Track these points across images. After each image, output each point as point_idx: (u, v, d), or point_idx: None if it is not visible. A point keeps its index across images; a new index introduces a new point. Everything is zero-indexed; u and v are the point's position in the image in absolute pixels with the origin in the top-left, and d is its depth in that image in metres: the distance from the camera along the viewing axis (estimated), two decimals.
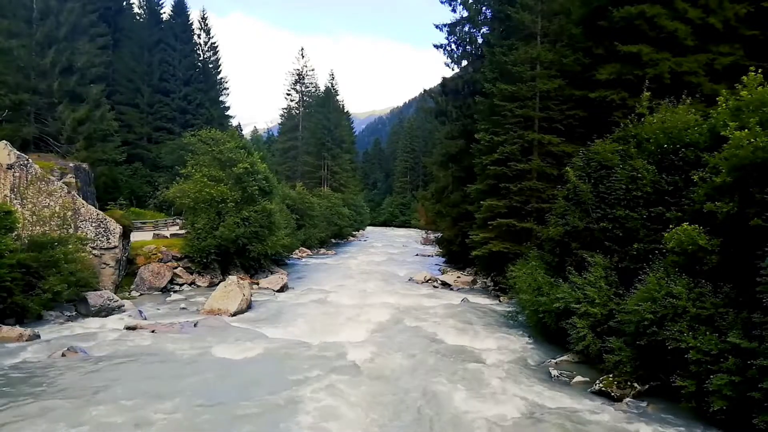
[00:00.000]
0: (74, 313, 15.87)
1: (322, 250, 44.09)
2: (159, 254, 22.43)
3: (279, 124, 79.37)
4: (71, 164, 23.03)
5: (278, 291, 22.26)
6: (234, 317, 16.59)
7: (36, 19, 28.50)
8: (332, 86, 70.42)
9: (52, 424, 8.11)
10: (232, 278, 18.62)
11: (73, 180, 21.26)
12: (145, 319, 15.84)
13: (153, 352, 12.21)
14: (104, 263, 18.90)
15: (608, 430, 8.64)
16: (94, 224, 18.98)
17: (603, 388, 10.12)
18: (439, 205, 32.02)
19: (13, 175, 17.69)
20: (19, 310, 14.01)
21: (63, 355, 11.59)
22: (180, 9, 48.70)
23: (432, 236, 41.82)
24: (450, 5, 29.45)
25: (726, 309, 8.78)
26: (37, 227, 17.12)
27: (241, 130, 67.35)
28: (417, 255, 41.93)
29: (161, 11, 49.91)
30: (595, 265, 12.17)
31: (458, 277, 26.17)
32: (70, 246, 16.40)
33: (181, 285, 21.94)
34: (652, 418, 9.06)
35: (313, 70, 71.22)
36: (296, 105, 69.92)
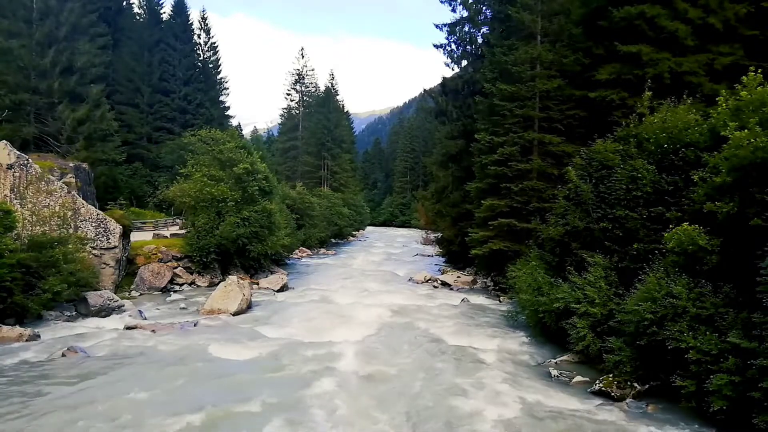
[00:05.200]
0: (74, 313, 15.88)
1: (322, 250, 44.08)
2: (159, 254, 22.43)
3: (279, 124, 79.36)
4: (71, 164, 23.03)
5: (278, 291, 22.26)
6: (234, 317, 16.59)
7: (36, 19, 28.49)
8: (332, 86, 70.45)
9: (52, 424, 8.11)
10: (232, 278, 18.61)
11: (73, 180, 21.26)
12: (145, 319, 15.84)
13: (153, 352, 12.22)
14: (104, 263, 18.90)
15: (608, 430, 8.64)
16: (94, 224, 18.98)
17: (603, 388, 10.11)
18: (439, 205, 32.00)
19: (13, 175, 17.69)
20: (19, 310, 14.01)
21: (63, 355, 11.60)
22: (180, 9, 48.70)
23: (432, 236, 41.74)
24: (450, 5, 29.46)
25: (726, 309, 8.77)
26: (37, 227, 17.13)
27: (241, 130, 67.35)
28: (417, 255, 41.93)
29: (161, 11, 49.95)
30: (595, 265, 12.17)
31: (458, 277, 26.16)
32: (70, 246, 16.41)
33: (181, 285, 21.93)
34: (652, 418, 9.06)
35: (313, 70, 71.30)
36: (296, 105, 69.91)
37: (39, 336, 13.10)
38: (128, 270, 20.98)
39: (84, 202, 19.47)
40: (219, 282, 20.56)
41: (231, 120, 55.38)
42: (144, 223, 31.26)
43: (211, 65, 52.04)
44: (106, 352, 12.20)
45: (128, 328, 14.29)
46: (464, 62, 30.68)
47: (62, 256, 15.57)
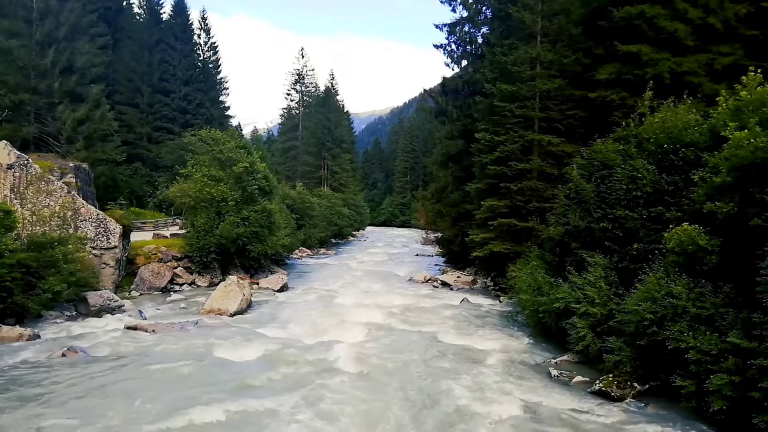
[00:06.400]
0: (74, 313, 15.88)
1: (322, 250, 44.08)
2: (159, 254, 22.43)
3: (279, 124, 79.44)
4: (71, 164, 23.02)
5: (278, 291, 22.26)
6: (234, 317, 16.59)
7: (36, 19, 28.53)
8: (332, 86, 70.56)
9: (52, 424, 8.10)
10: (232, 278, 18.62)
11: (73, 180, 21.25)
12: (145, 319, 15.84)
13: (153, 352, 12.21)
14: (104, 263, 18.90)
15: (608, 430, 8.64)
16: (94, 224, 18.97)
17: (603, 388, 10.11)
18: (439, 205, 31.98)
19: (13, 175, 17.68)
20: (19, 310, 13.99)
21: (63, 355, 11.59)
22: (180, 9, 48.73)
23: (432, 236, 41.80)
24: (450, 5, 29.41)
25: (726, 309, 8.77)
26: (37, 227, 17.11)
27: (241, 130, 67.42)
28: (417, 255, 41.93)
29: (161, 11, 49.94)
30: (595, 265, 12.17)
31: (458, 277, 26.17)
32: (70, 246, 16.39)
33: (181, 285, 21.93)
34: (652, 418, 9.06)
35: (313, 70, 71.35)
36: (296, 105, 69.98)
37: (39, 336, 13.09)
38: (128, 270, 20.97)
39: (84, 202, 19.47)
40: (219, 282, 20.55)
41: (231, 120, 55.45)
42: (144, 223, 31.25)
43: (211, 65, 52.07)
44: (106, 352, 12.20)
45: (128, 328, 14.28)
46: (464, 62, 30.65)
47: (62, 256, 15.55)
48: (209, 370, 11.05)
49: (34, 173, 18.06)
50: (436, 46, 30.05)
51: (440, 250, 36.16)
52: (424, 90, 37.17)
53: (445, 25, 29.74)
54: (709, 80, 16.20)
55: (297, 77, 68.94)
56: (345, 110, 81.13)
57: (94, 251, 18.65)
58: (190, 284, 22.29)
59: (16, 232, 15.36)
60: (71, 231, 18.01)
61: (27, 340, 12.63)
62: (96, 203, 23.49)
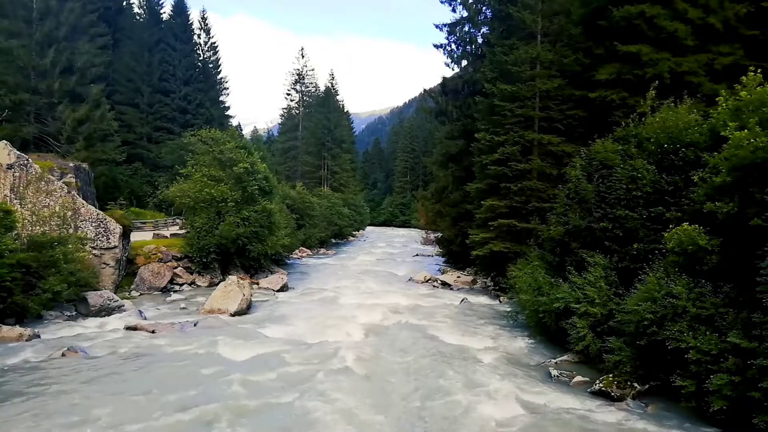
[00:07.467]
0: (74, 313, 15.88)
1: (322, 250, 44.09)
2: (159, 254, 22.43)
3: (279, 124, 79.53)
4: (71, 164, 23.01)
5: (278, 291, 22.26)
6: (234, 317, 16.59)
7: (36, 19, 28.56)
8: (332, 86, 70.58)
9: (52, 424, 8.11)
10: (232, 278, 18.61)
11: (73, 180, 21.24)
12: (145, 319, 15.84)
13: (153, 352, 12.21)
14: (104, 263, 18.90)
15: (608, 430, 8.64)
16: (94, 224, 18.97)
17: (603, 388, 10.11)
18: (439, 205, 31.98)
19: (13, 175, 17.69)
20: (19, 310, 14.00)
21: (63, 355, 11.59)
22: (180, 9, 48.78)
23: (432, 236, 41.80)
24: (450, 5, 29.40)
25: (726, 309, 8.77)
26: (37, 227, 17.12)
27: (241, 130, 67.40)
28: (417, 255, 41.93)
29: (161, 11, 50.00)
30: (595, 264, 12.17)
31: (458, 277, 26.17)
32: (70, 246, 16.39)
33: (181, 285, 21.92)
34: (652, 418, 9.06)
35: (313, 69, 71.44)
36: (296, 105, 70.02)
37: (39, 336, 13.09)
38: (128, 270, 20.97)
39: (84, 202, 19.47)
40: (219, 282, 20.54)
41: (231, 120, 55.50)
42: (144, 223, 31.24)
43: (211, 65, 52.13)
44: (106, 352, 12.19)
45: (128, 328, 14.29)
46: (464, 62, 30.65)
47: (62, 256, 15.56)
48: (209, 370, 11.04)
49: (34, 173, 18.07)
50: (436, 46, 30.07)
51: (440, 250, 36.15)
52: (424, 90, 37.16)
53: (445, 25, 29.75)
54: (709, 80, 16.22)
55: (297, 77, 69.02)
56: (345, 110, 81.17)
57: (94, 251, 18.65)
58: (190, 284, 22.29)
59: (16, 232, 15.37)
60: (71, 231, 18.02)
61: (27, 340, 12.63)
62: (96, 203, 23.49)
